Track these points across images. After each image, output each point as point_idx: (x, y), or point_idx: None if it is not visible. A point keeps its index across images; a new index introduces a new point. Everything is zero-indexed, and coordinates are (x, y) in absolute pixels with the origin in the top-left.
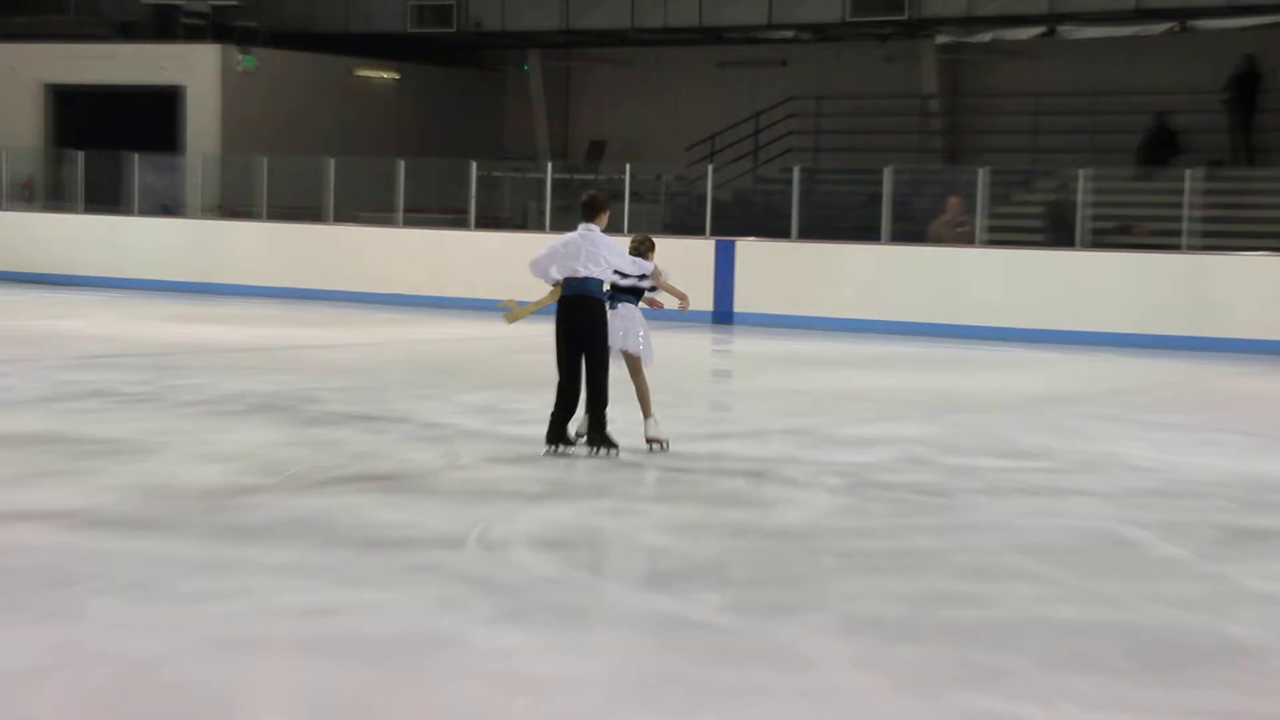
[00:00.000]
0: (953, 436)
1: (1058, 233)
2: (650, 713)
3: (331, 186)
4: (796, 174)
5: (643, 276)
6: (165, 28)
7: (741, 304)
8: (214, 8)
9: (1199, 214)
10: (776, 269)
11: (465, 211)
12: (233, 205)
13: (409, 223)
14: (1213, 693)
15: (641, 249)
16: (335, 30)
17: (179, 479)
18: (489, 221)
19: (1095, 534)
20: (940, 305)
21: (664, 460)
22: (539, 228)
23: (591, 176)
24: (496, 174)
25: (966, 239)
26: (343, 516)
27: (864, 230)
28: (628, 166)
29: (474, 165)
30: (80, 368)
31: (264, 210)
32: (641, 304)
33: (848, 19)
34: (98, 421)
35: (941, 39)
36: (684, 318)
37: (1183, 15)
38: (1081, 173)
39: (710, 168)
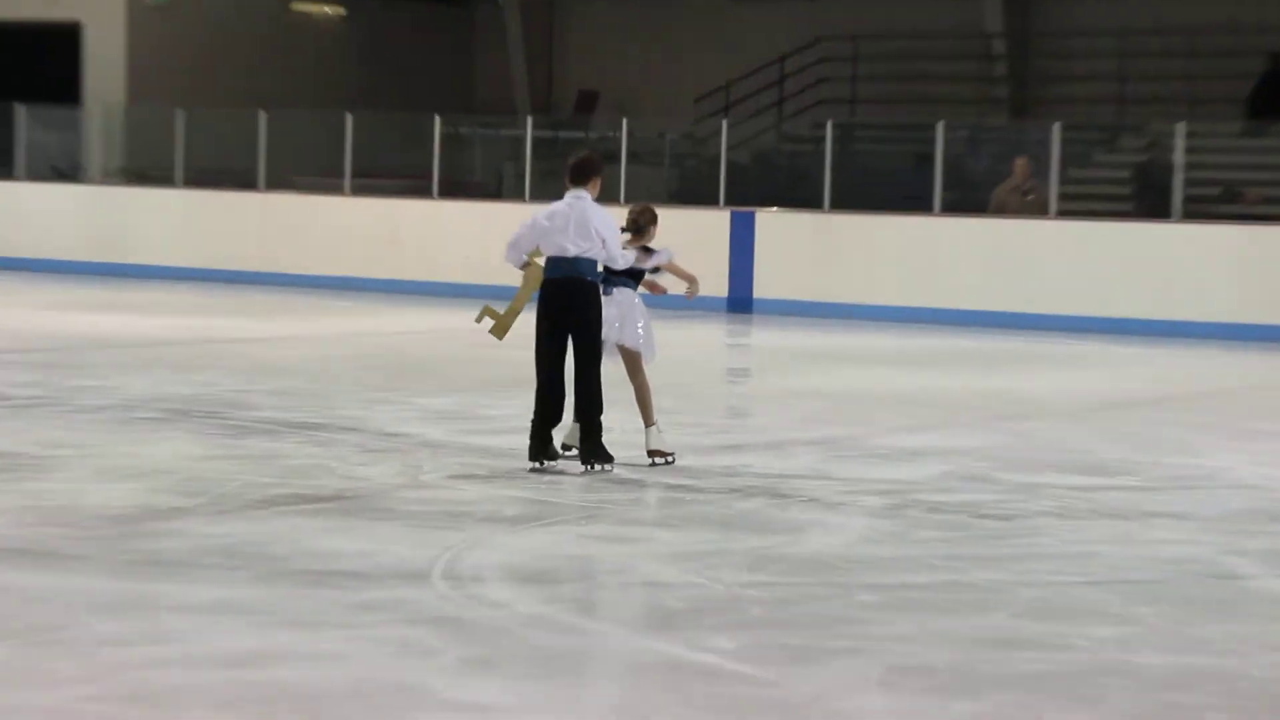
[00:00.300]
0: (1016, 448)
1: (1148, 201)
2: None
3: (263, 146)
4: (829, 131)
5: (636, 270)
6: None
7: (762, 288)
8: None
9: None
10: (804, 246)
11: (427, 177)
12: (142, 169)
13: (359, 190)
14: None
15: (641, 222)
16: None
17: (81, 501)
18: (456, 189)
19: (1189, 565)
20: (1003, 289)
21: (668, 477)
22: (517, 196)
23: (581, 134)
24: (465, 131)
25: (1036, 209)
26: (280, 545)
27: (911, 199)
28: (624, 122)
29: (437, 121)
30: None
31: (180, 175)
32: (641, 289)
33: None
34: None
35: None
36: (693, 305)
37: None
38: (1177, 128)
39: (724, 124)
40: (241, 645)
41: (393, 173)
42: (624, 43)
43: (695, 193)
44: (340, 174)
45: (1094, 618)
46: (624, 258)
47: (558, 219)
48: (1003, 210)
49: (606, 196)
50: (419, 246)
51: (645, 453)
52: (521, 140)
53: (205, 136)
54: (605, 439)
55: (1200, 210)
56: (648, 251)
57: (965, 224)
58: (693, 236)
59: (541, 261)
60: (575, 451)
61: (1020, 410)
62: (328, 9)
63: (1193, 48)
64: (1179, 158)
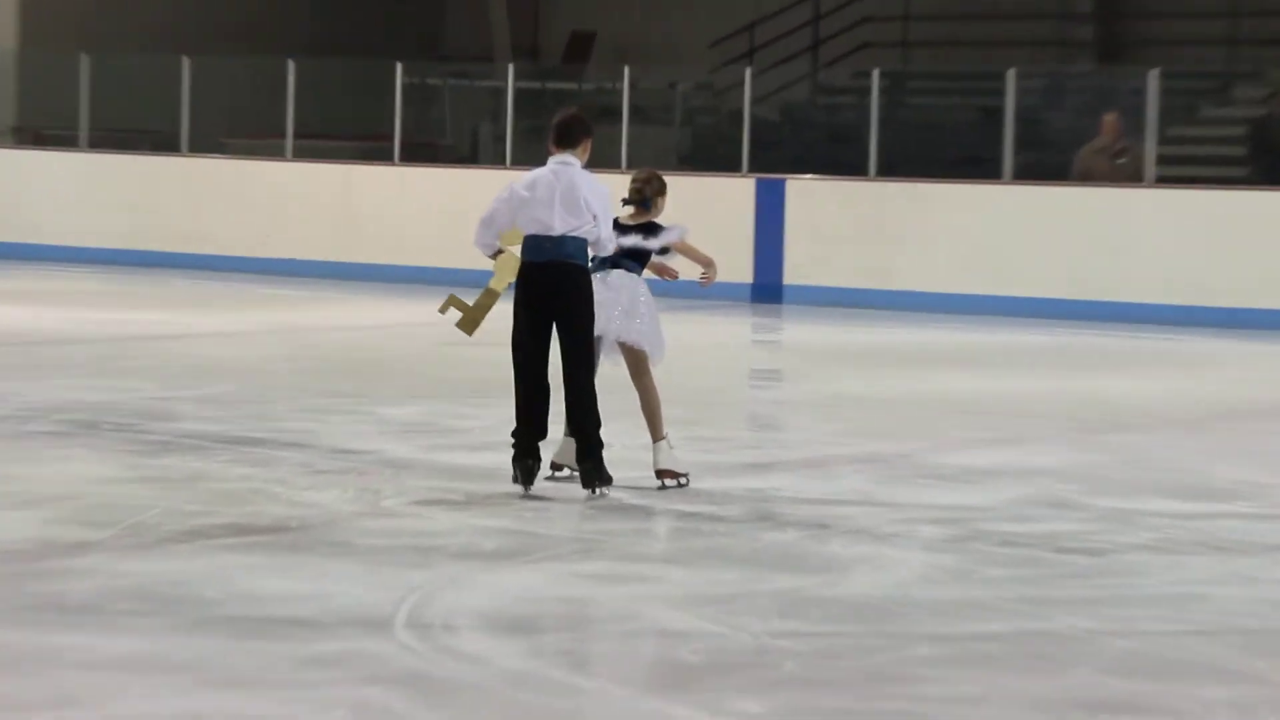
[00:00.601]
0: (1107, 467)
1: (1266, 164)
2: None
3: (186, 100)
4: (876, 80)
5: (638, 251)
6: None
7: (794, 272)
8: None
9: None
10: (846, 220)
11: (387, 138)
12: (38, 128)
13: (304, 154)
14: None
15: (646, 193)
16: None
17: None
18: (422, 152)
19: None
20: (1089, 273)
21: (681, 502)
22: (496, 161)
23: (573, 86)
24: (432, 82)
25: (1129, 174)
26: (210, 586)
27: (976, 163)
28: (626, 71)
29: (399, 69)
30: None
31: (84, 135)
32: (646, 273)
33: None
34: None
35: None
36: (710, 293)
37: None
38: None
39: (748, 72)
40: (163, 709)
41: (345, 133)
42: None
43: (712, 157)
44: (281, 134)
45: (1202, 674)
46: (612, 241)
47: (540, 189)
48: (1088, 176)
49: (605, 162)
50: (377, 222)
51: (653, 473)
52: (501, 93)
53: (115, 88)
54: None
55: None
56: (654, 229)
57: (1042, 193)
58: (709, 210)
59: (516, 249)
60: (567, 472)
61: (1111, 421)
62: None
63: None
64: None
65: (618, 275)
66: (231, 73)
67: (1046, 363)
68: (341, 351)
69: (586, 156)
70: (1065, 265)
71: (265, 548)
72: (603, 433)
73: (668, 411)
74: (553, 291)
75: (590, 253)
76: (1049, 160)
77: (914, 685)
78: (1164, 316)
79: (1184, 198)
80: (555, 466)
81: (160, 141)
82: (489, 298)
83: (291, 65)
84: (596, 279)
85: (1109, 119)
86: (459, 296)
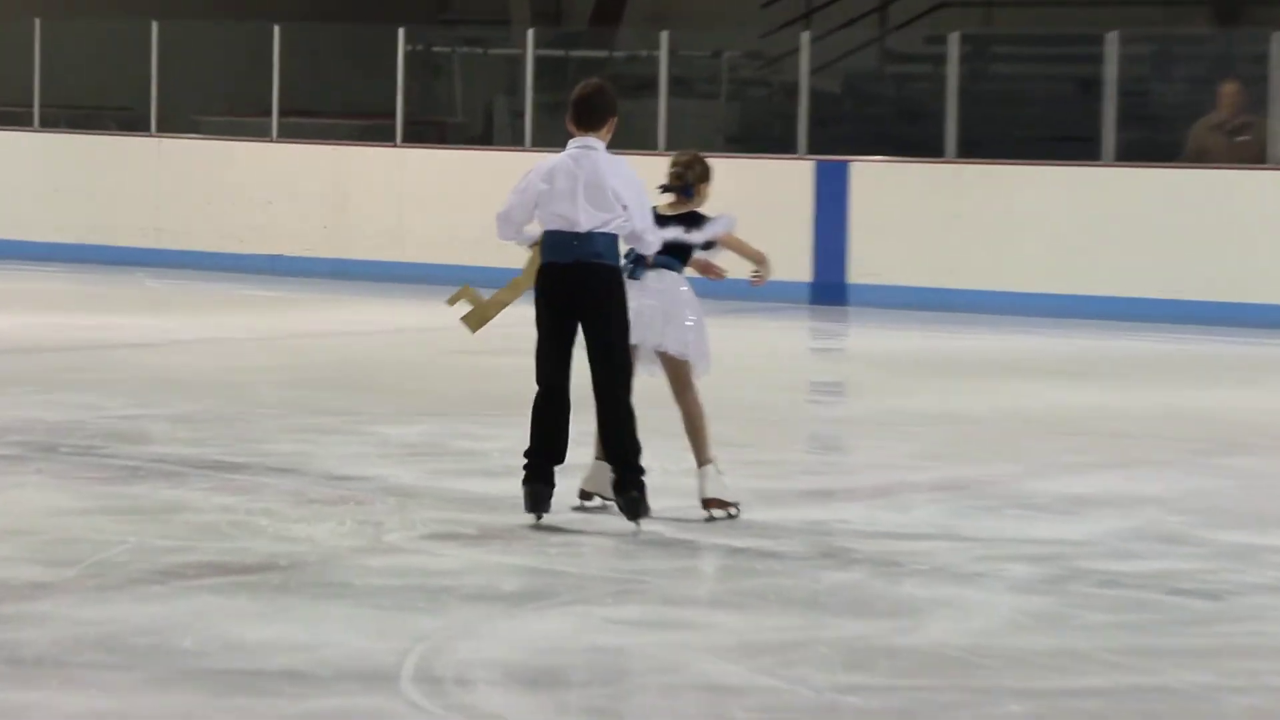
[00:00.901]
0: (1228, 495)
1: None
2: None
3: (156, 72)
4: (954, 46)
5: (679, 246)
6: None
7: (859, 270)
8: None
9: None
10: (919, 209)
11: (387, 116)
12: None
13: (290, 134)
14: None
15: (688, 179)
16: None
17: None
18: (428, 132)
19: None
20: (1205, 269)
21: (731, 536)
22: (513, 143)
23: (603, 54)
24: (439, 50)
25: (1251, 154)
26: (187, 635)
27: (1071, 142)
28: (664, 36)
29: (401, 35)
30: None
31: (35, 112)
32: (689, 271)
33: None
34: None
35: None
36: (763, 293)
37: None
38: None
39: (805, 37)
40: None
41: (339, 110)
42: None
43: (764, 136)
44: (265, 111)
45: None
46: (655, 234)
47: (560, 179)
48: (1203, 156)
49: (639, 143)
50: (376, 213)
51: (699, 502)
52: (519, 62)
53: (73, 58)
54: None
55: None
56: (698, 220)
57: (1148, 177)
58: (762, 197)
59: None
60: (598, 502)
61: (1229, 441)
62: None
63: None
64: None
65: (657, 276)
66: (208, 40)
67: (1153, 374)
68: (336, 362)
69: (610, 135)
70: (1174, 261)
71: (250, 589)
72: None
73: (715, 431)
74: (579, 295)
75: (624, 249)
76: (1156, 138)
77: None
78: None
79: None
80: (584, 495)
81: (126, 120)
82: (510, 293)
83: (277, 31)
84: (630, 279)
85: (1227, 90)
86: (475, 290)
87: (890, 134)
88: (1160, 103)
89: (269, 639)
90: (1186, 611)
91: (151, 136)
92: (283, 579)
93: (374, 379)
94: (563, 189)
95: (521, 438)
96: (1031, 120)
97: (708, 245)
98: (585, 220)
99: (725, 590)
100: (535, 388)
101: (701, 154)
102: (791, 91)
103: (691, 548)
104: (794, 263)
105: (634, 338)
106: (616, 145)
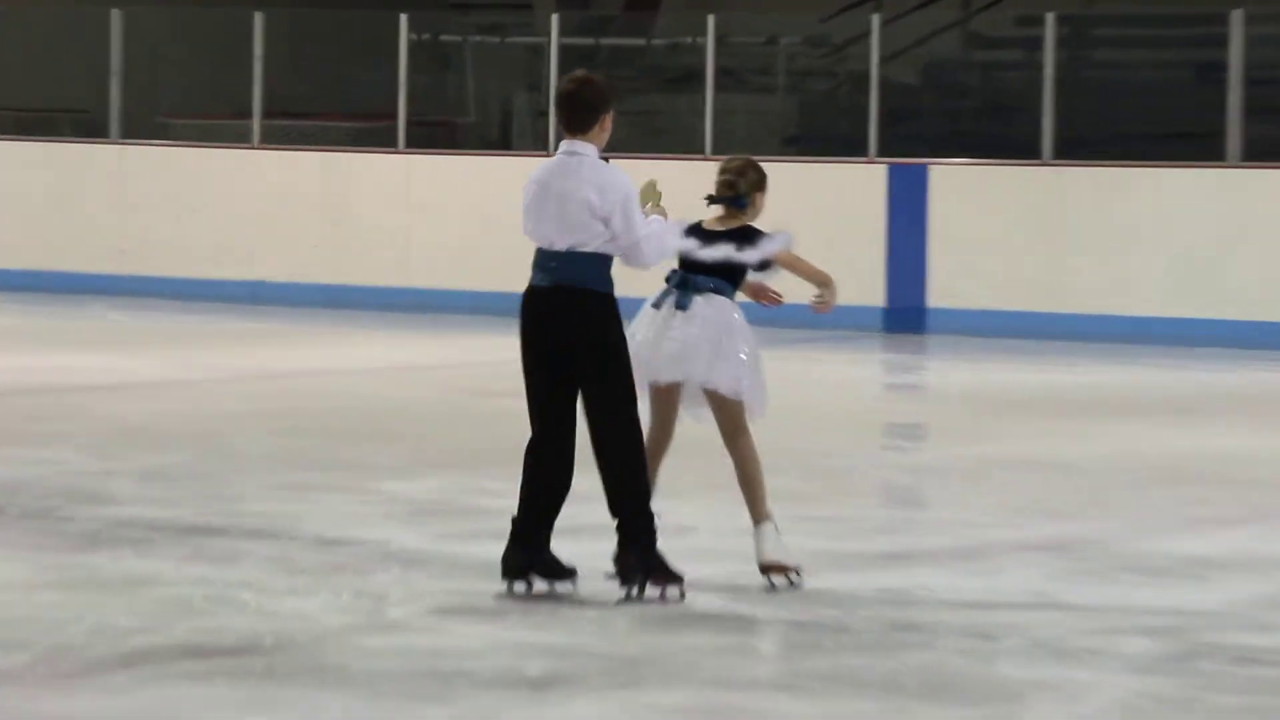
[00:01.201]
0: None
1: None
2: None
3: (117, 68)
4: (1051, 28)
5: (730, 267)
6: None
7: (940, 293)
8: None
9: None
10: (1011, 220)
11: (388, 116)
12: None
13: (275, 139)
14: None
15: (740, 187)
16: None
17: None
18: (436, 135)
19: None
20: None
21: (794, 608)
22: (535, 146)
23: (640, 42)
24: (449, 39)
25: None
26: None
27: (1189, 138)
28: (710, 22)
29: (404, 22)
30: None
31: None
32: (740, 296)
33: None
34: None
35: None
36: (827, 321)
37: None
38: None
39: (875, 21)
40: None
41: (332, 110)
42: None
43: (829, 136)
44: (245, 112)
45: None
46: (656, 243)
47: (534, 191)
48: None
49: (683, 146)
50: (377, 231)
51: (756, 567)
52: (542, 53)
53: (22, 51)
54: (681, 545)
55: None
56: (751, 236)
57: None
58: (826, 209)
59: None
60: (617, 570)
61: None
62: None
63: None
64: None
65: (705, 301)
66: (177, 28)
67: None
68: (330, 407)
69: (607, 136)
70: None
71: (230, 676)
72: (682, 512)
73: (773, 483)
74: (559, 324)
75: (646, 265)
76: None
77: None
78: None
79: None
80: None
81: (83, 124)
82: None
83: (258, 19)
84: (668, 306)
85: None
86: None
87: (976, 132)
88: None
89: None
90: None
91: (113, 143)
92: (268, 663)
93: (374, 426)
94: (538, 203)
95: None
96: (1142, 114)
97: (763, 266)
98: (559, 239)
99: (787, 672)
100: None
101: (755, 158)
102: (861, 83)
103: (747, 621)
104: (864, 284)
105: (679, 374)
106: (655, 149)
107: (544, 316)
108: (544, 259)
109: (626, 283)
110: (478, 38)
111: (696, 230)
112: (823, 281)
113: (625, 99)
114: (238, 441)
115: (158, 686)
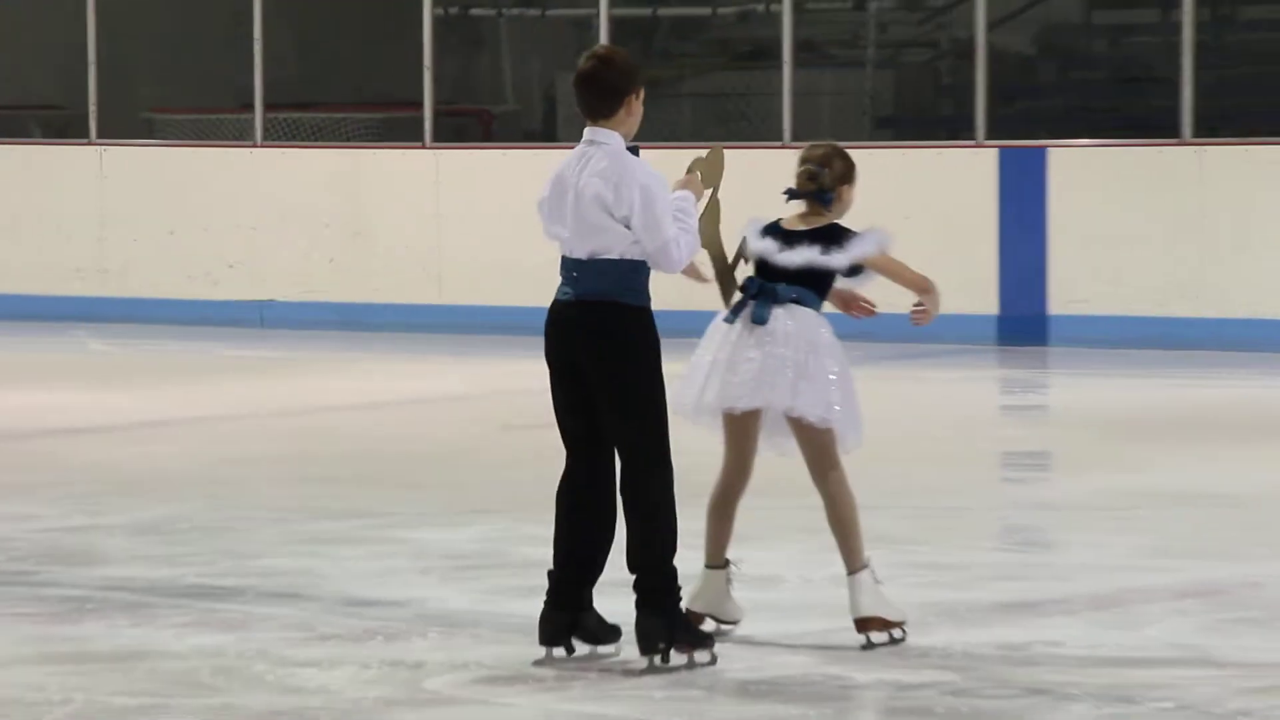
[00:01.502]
0: None
1: None
2: None
3: (93, 58)
4: None
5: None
6: None
7: (1063, 298)
8: None
9: None
10: (1143, 210)
11: (413, 107)
12: None
13: (280, 135)
14: None
15: (824, 179)
16: None
17: None
18: (469, 126)
19: None
20: None
21: (898, 667)
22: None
23: (705, 11)
24: (480, 12)
25: None
26: None
27: None
28: None
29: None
30: None
31: None
32: (828, 306)
33: None
34: None
35: None
36: (929, 334)
37: None
38: None
39: None
40: None
41: (346, 100)
42: None
43: (927, 117)
44: (246, 105)
45: None
46: (684, 242)
47: (553, 190)
48: None
49: (756, 134)
50: (401, 240)
51: (851, 623)
52: (589, 28)
53: None
54: (764, 598)
55: None
56: (838, 236)
57: None
58: (926, 201)
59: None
60: (713, 626)
61: None
62: None
63: None
64: None
65: (787, 313)
66: (164, 12)
67: None
68: (353, 446)
69: (636, 121)
70: None
71: None
72: (765, 560)
73: (872, 525)
74: (578, 343)
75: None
76: None
77: None
78: None
79: None
80: (693, 617)
81: (57, 123)
82: (713, 210)
83: (256, 5)
84: (743, 320)
85: None
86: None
87: (1103, 108)
88: None
89: None
90: None
91: (91, 144)
92: None
93: (402, 467)
94: (555, 202)
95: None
96: None
97: (853, 271)
98: (579, 244)
99: None
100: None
101: (841, 145)
102: (965, 54)
103: (843, 685)
104: (974, 290)
105: (757, 400)
106: (723, 136)
107: (564, 335)
108: (566, 268)
109: (684, 295)
110: (515, 11)
111: (775, 230)
112: (923, 288)
113: (688, 78)
114: (245, 490)
115: None
